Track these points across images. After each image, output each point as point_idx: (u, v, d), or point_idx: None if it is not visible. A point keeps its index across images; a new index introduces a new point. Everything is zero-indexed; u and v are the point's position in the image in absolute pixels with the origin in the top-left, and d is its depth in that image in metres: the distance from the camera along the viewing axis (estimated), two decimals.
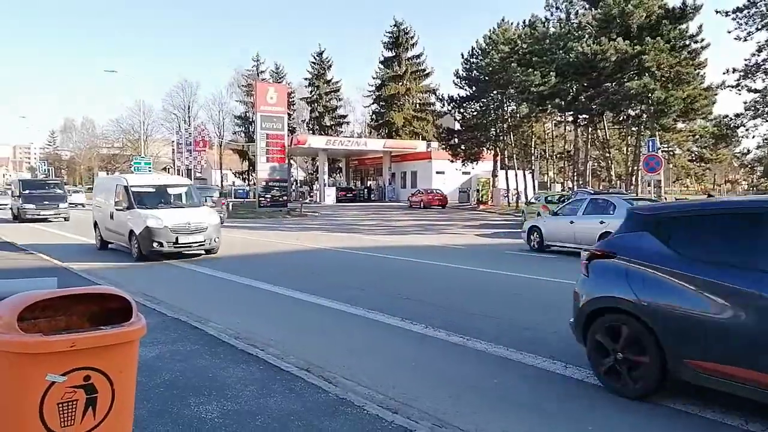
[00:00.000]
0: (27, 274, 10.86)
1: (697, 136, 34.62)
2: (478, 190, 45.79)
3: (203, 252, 15.03)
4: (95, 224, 17.02)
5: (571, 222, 15.54)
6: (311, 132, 66.03)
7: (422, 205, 42.55)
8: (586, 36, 30.08)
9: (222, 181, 72.95)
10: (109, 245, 16.37)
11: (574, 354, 6.09)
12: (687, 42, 27.98)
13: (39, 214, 28.86)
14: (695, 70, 28.30)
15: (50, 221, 29.05)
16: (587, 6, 32.78)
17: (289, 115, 55.54)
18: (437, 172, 50.96)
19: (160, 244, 13.71)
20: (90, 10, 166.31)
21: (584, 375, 5.43)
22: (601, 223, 14.37)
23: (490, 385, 5.32)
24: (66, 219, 29.57)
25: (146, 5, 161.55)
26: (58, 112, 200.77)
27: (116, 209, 14.93)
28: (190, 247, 14.29)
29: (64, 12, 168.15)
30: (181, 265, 13.74)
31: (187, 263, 13.98)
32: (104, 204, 16.20)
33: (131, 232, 14.10)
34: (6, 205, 40.71)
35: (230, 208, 39.51)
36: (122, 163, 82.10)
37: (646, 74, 26.63)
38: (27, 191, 29.63)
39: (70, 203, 36.81)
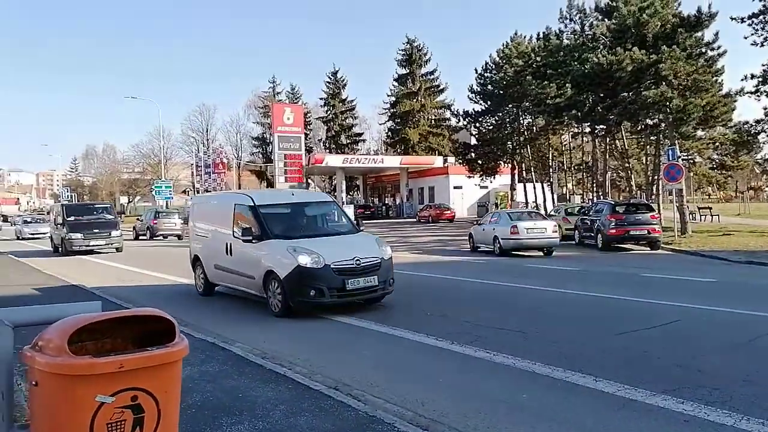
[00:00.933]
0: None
1: (717, 144, 34.25)
2: (496, 204, 45.64)
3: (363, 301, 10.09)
4: (195, 260, 12.52)
5: (483, 229, 21.76)
6: (328, 151, 66.52)
7: (430, 220, 42.83)
8: (601, 47, 30.04)
9: None
10: (216, 288, 12.09)
11: (604, 367, 6.04)
12: (703, 50, 27.77)
13: (88, 245, 23.92)
14: (713, 77, 28.04)
15: (99, 253, 24.41)
16: (601, 17, 32.76)
17: (306, 134, 56.10)
18: (455, 187, 50.92)
19: (320, 293, 9.16)
20: (108, 37, 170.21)
21: (615, 388, 5.38)
22: (493, 229, 20.74)
23: (520, 399, 5.30)
24: (118, 249, 24.88)
25: (162, 31, 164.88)
26: (79, 139, 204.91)
27: (242, 239, 10.39)
28: (360, 294, 9.63)
29: (81, 39, 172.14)
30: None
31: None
32: (212, 232, 11.97)
33: (269, 273, 9.69)
34: (44, 233, 36.54)
35: None
36: (143, 187, 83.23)
37: (663, 83, 26.48)
38: (72, 218, 24.48)
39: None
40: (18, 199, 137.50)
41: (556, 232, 20.38)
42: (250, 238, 10.17)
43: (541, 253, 20.04)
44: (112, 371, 2.24)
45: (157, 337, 2.50)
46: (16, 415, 3.06)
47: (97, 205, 29.72)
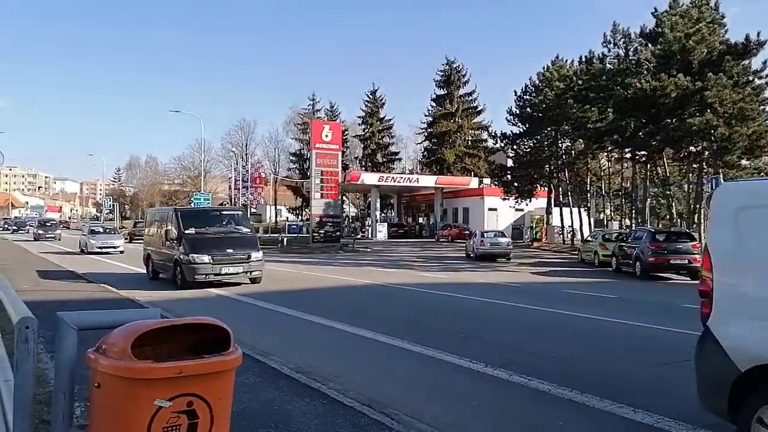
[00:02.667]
0: None
1: (763, 174, 33.37)
2: (531, 227, 45.12)
3: None
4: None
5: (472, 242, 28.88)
6: (364, 169, 66.99)
7: (450, 239, 44.88)
8: (645, 72, 29.68)
9: (276, 217, 74.66)
10: None
11: (641, 396, 5.93)
12: (751, 78, 27.26)
13: (220, 272, 15.49)
14: (760, 106, 27.45)
15: (227, 284, 16.19)
16: (645, 42, 32.38)
17: (343, 152, 56.62)
18: (489, 209, 50.48)
19: None
20: (153, 55, 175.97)
21: (654, 420, 5.27)
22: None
23: (555, 427, 5.23)
24: (254, 280, 16.42)
25: (207, 48, 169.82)
26: (124, 150, 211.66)
27: None
28: None
29: (129, 56, 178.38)
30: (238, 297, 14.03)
31: (231, 291, 14.21)
32: None
33: None
34: (116, 247, 30.67)
35: (285, 243, 40.46)
36: (182, 199, 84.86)
37: (709, 110, 25.99)
38: (192, 230, 16.01)
39: None
40: (61, 207, 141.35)
41: (510, 244, 29.90)
42: None
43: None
44: (171, 376, 2.34)
45: (209, 345, 2.60)
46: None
47: (224, 212, 20.07)
